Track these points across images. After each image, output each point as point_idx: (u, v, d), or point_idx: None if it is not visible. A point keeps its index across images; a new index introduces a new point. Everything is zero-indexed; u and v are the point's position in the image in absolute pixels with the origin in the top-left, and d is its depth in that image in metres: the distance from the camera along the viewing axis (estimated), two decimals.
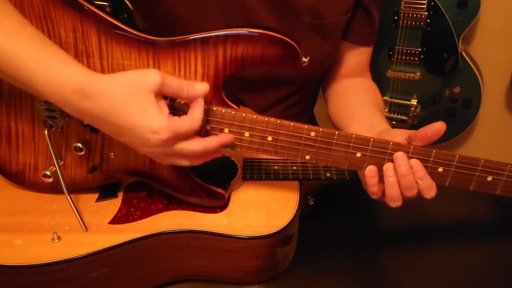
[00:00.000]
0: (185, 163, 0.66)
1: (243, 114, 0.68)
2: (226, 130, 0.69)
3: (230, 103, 0.69)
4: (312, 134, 0.68)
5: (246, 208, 0.77)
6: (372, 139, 0.68)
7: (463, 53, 1.57)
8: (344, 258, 0.82)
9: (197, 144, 0.65)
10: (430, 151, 0.68)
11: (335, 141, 0.68)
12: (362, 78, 1.01)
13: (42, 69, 0.59)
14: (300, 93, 1.02)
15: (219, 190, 0.75)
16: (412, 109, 1.70)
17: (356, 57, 0.99)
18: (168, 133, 0.60)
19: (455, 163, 0.68)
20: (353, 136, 0.68)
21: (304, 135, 0.69)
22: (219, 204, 0.76)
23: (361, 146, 0.68)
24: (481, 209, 0.95)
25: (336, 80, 1.00)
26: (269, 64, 0.67)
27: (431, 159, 0.68)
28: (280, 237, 0.73)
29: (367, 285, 0.78)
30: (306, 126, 0.68)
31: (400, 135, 0.70)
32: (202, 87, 0.64)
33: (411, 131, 0.69)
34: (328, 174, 0.84)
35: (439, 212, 0.93)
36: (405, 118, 1.72)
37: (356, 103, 0.92)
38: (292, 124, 0.68)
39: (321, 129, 0.68)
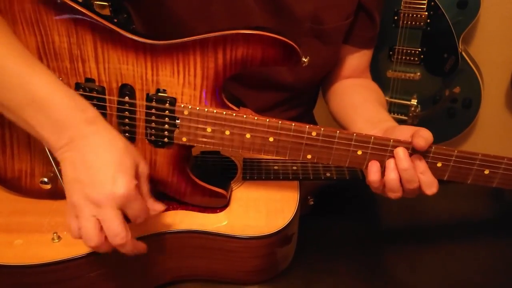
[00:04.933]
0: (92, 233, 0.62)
1: (244, 116, 0.68)
2: (227, 132, 0.69)
3: (230, 105, 0.69)
4: (314, 133, 0.69)
5: (246, 208, 0.77)
6: (373, 137, 0.68)
7: (463, 53, 1.57)
8: (344, 258, 0.82)
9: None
10: (429, 146, 0.68)
11: (336, 140, 0.69)
12: (363, 78, 1.02)
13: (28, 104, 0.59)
14: (299, 98, 1.02)
15: (220, 190, 0.75)
16: (412, 109, 1.70)
17: (357, 59, 0.99)
18: (108, 202, 0.59)
19: (453, 158, 0.69)
20: (354, 134, 0.68)
21: (305, 135, 0.69)
22: (220, 204, 0.76)
23: (362, 144, 0.69)
24: (481, 209, 0.95)
25: (337, 81, 1.00)
26: (269, 65, 0.66)
27: (431, 154, 0.69)
28: (280, 237, 0.73)
29: (367, 284, 0.78)
30: (307, 126, 0.68)
31: (406, 133, 0.70)
32: (158, 208, 0.67)
33: (416, 128, 0.70)
34: (328, 174, 0.84)
35: (439, 211, 0.93)
36: (405, 118, 1.72)
37: (360, 100, 0.92)
38: (293, 124, 0.68)
39: (322, 129, 0.68)
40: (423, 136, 0.67)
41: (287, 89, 0.97)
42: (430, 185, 0.69)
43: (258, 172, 0.83)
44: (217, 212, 0.76)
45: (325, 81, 1.04)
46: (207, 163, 0.87)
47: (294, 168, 0.84)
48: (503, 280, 0.80)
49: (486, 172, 0.70)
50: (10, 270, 0.68)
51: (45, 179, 0.73)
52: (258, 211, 0.76)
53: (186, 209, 0.76)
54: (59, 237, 0.71)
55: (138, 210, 0.62)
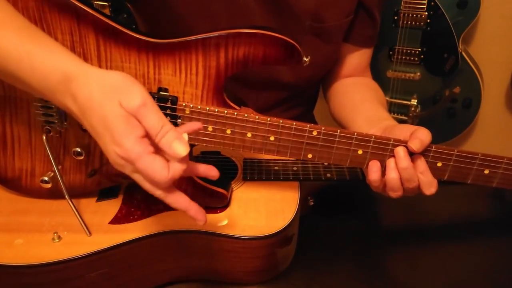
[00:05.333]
0: (146, 185, 0.57)
1: (245, 115, 0.68)
2: (228, 131, 0.69)
3: (231, 104, 0.69)
4: (314, 133, 0.69)
5: (246, 209, 0.77)
6: (373, 136, 0.69)
7: (463, 53, 1.57)
8: (344, 258, 0.82)
9: (157, 192, 0.57)
10: (429, 146, 0.69)
11: (337, 139, 0.69)
12: (363, 77, 1.02)
13: (27, 59, 0.57)
14: (300, 97, 1.02)
15: (220, 190, 0.75)
16: (412, 109, 1.70)
17: (357, 58, 0.99)
18: (125, 154, 0.53)
19: (453, 158, 0.69)
20: (355, 133, 0.69)
21: (306, 134, 0.69)
22: (221, 204, 0.76)
23: (362, 143, 0.69)
24: (481, 209, 0.95)
25: (337, 80, 1.01)
26: (271, 64, 0.67)
27: (431, 154, 0.69)
28: (280, 238, 0.73)
29: (367, 285, 0.78)
30: (308, 125, 0.69)
31: (406, 131, 0.70)
32: (181, 150, 0.54)
33: (415, 128, 0.70)
34: (328, 175, 0.84)
35: (440, 212, 0.93)
36: (405, 118, 1.73)
37: (360, 99, 0.92)
38: (294, 123, 0.68)
39: (323, 128, 0.69)
40: (419, 138, 0.67)
41: (287, 88, 0.97)
42: (429, 185, 0.69)
43: (258, 173, 0.83)
44: (217, 212, 0.76)
45: (326, 80, 1.04)
46: (207, 163, 0.87)
47: (295, 168, 0.84)
48: (503, 280, 0.80)
49: (486, 172, 0.71)
50: (10, 270, 0.68)
51: (46, 178, 0.74)
52: (258, 211, 0.76)
53: None
54: (59, 237, 0.71)
55: (142, 169, 0.54)
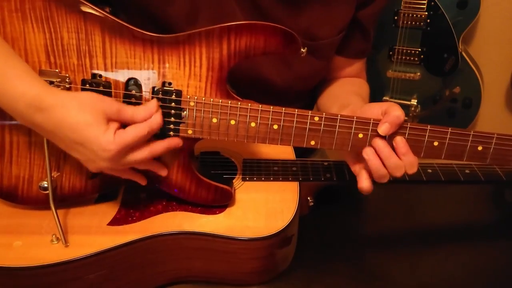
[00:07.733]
0: (144, 151, 0.67)
1: (249, 105, 0.69)
2: (232, 121, 0.70)
3: (234, 95, 0.70)
4: (316, 118, 0.70)
5: (245, 209, 0.77)
6: (372, 119, 0.70)
7: (463, 53, 1.57)
8: (344, 259, 0.82)
9: (145, 151, 0.66)
10: (425, 126, 0.70)
11: (338, 124, 0.70)
12: (354, 78, 1.02)
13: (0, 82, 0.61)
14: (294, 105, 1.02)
15: (225, 187, 0.75)
16: (412, 109, 1.70)
17: (350, 67, 1.01)
18: (115, 146, 0.62)
19: (448, 136, 0.71)
20: (355, 117, 0.70)
21: (308, 120, 0.70)
22: (226, 202, 0.77)
23: (362, 126, 0.70)
24: (481, 210, 0.95)
25: (329, 85, 1.01)
26: (271, 53, 0.68)
27: (427, 133, 0.70)
28: (279, 239, 0.73)
29: (367, 285, 0.78)
30: (310, 112, 0.70)
31: (376, 108, 0.71)
32: (152, 103, 0.67)
33: (385, 107, 0.70)
34: (328, 175, 0.84)
35: (440, 212, 0.93)
36: (405, 118, 1.72)
37: (338, 90, 0.96)
38: (296, 110, 0.70)
39: (324, 113, 0.70)
40: (389, 122, 0.68)
41: (279, 95, 0.97)
42: (411, 166, 0.70)
43: (257, 173, 0.83)
44: (216, 214, 0.76)
45: (318, 86, 1.04)
46: (207, 163, 0.87)
47: (294, 169, 0.84)
48: (503, 281, 0.80)
49: (480, 148, 0.72)
50: (9, 272, 0.68)
51: (45, 184, 0.73)
52: (258, 212, 0.76)
53: (184, 210, 0.76)
54: (58, 239, 0.71)
55: (136, 132, 0.64)
